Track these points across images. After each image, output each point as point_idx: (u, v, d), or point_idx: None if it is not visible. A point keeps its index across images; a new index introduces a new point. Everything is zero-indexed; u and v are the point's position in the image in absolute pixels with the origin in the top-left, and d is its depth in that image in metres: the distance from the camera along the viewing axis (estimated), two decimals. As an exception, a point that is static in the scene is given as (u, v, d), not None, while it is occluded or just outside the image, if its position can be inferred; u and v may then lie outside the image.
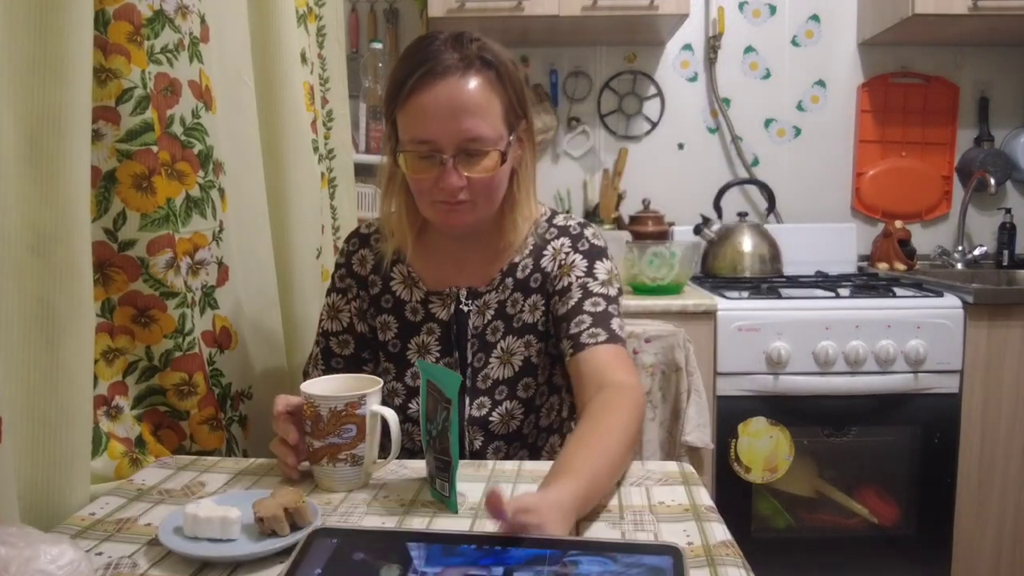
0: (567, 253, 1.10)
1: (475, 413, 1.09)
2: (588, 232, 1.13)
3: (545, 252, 1.11)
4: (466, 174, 0.98)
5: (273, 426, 0.92)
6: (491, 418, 1.09)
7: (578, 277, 1.08)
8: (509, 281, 1.10)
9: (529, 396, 1.10)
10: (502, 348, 1.09)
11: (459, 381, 0.80)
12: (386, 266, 1.13)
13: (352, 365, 1.15)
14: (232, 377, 1.20)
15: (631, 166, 2.57)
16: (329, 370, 1.15)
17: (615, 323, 1.05)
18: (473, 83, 0.97)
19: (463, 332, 1.10)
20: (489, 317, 1.10)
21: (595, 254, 1.10)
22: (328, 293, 1.18)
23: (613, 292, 1.08)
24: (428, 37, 1.01)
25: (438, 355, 1.10)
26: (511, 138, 1.02)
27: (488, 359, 1.10)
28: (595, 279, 1.08)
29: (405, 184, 1.06)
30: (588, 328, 1.03)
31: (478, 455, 1.09)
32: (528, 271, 1.10)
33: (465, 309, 1.10)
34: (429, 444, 0.87)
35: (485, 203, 1.03)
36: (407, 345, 1.12)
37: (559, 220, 1.14)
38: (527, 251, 1.11)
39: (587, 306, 1.05)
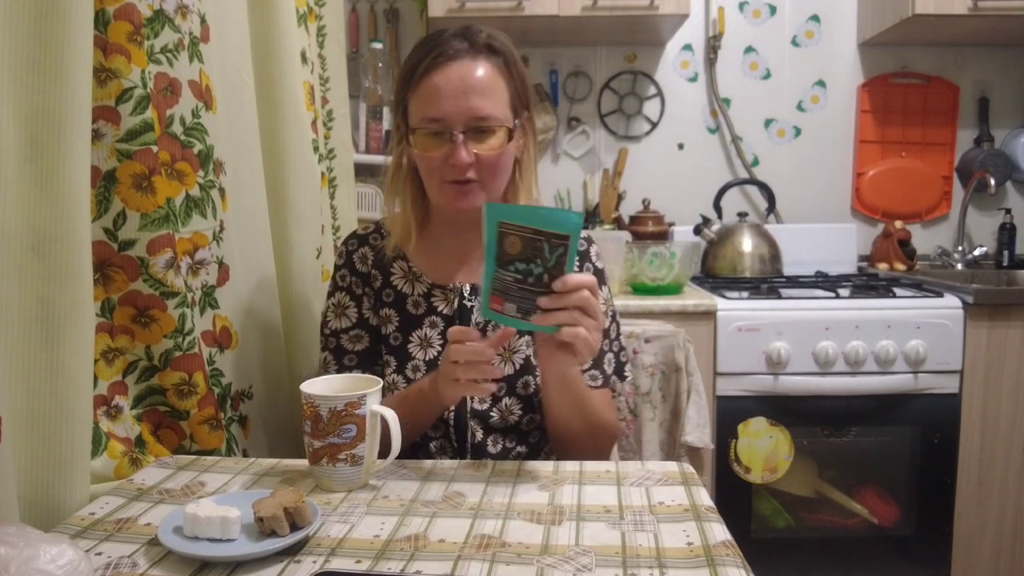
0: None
1: (477, 407, 1.10)
2: (593, 252, 1.19)
3: None
4: (475, 151, 1.02)
5: (455, 356, 0.93)
6: (491, 413, 1.11)
7: None
8: None
9: (528, 394, 1.11)
10: (503, 345, 1.10)
11: (578, 220, 0.82)
12: (387, 261, 1.15)
13: (366, 360, 1.14)
14: (232, 377, 1.20)
15: (631, 166, 2.57)
16: (343, 369, 1.14)
17: (607, 361, 1.15)
18: (482, 67, 1.03)
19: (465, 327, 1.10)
20: None
21: (599, 281, 1.14)
22: (330, 295, 1.18)
23: (607, 323, 1.16)
24: (438, 31, 1.07)
25: (440, 348, 1.11)
26: (516, 123, 1.06)
27: None
28: None
29: (411, 178, 1.10)
30: (590, 370, 1.13)
31: (479, 447, 1.10)
32: None
33: (469, 304, 1.11)
34: (517, 287, 0.86)
35: (491, 183, 1.06)
36: (408, 338, 1.13)
37: None
38: None
39: None
